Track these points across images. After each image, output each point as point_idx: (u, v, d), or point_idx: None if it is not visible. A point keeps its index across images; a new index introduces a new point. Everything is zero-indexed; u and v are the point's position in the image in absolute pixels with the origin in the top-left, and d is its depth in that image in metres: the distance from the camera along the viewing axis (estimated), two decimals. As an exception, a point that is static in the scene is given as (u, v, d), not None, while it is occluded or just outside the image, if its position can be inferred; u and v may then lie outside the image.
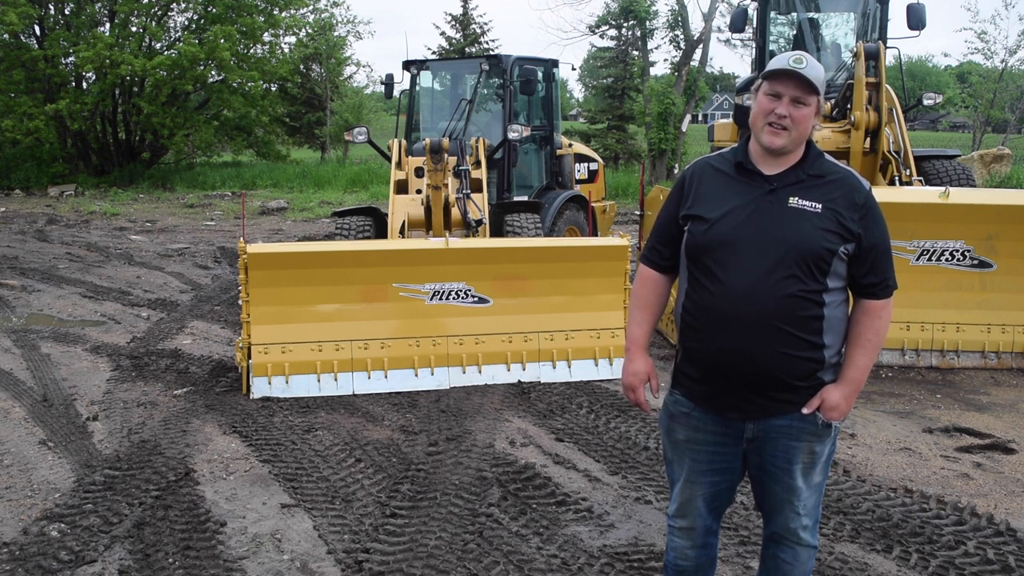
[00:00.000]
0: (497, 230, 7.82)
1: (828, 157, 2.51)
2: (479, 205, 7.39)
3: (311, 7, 27.92)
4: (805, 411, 2.43)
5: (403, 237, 7.21)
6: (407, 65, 9.46)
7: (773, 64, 2.41)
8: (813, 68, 2.36)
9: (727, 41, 30.04)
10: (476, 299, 5.89)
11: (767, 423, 2.46)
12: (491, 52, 26.43)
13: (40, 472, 4.39)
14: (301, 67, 30.31)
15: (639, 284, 2.71)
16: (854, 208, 2.38)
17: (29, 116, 20.84)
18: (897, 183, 7.65)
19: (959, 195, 6.14)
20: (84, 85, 23.32)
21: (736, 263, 2.38)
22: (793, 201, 2.39)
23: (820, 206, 2.37)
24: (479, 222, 7.20)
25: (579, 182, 10.12)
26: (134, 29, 23.09)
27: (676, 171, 22.37)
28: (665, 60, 70.95)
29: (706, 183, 2.52)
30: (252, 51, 24.73)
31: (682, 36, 23.11)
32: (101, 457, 4.55)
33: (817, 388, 2.43)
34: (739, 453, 2.54)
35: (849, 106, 8.19)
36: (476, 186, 7.72)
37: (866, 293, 2.45)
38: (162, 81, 21.91)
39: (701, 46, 22.83)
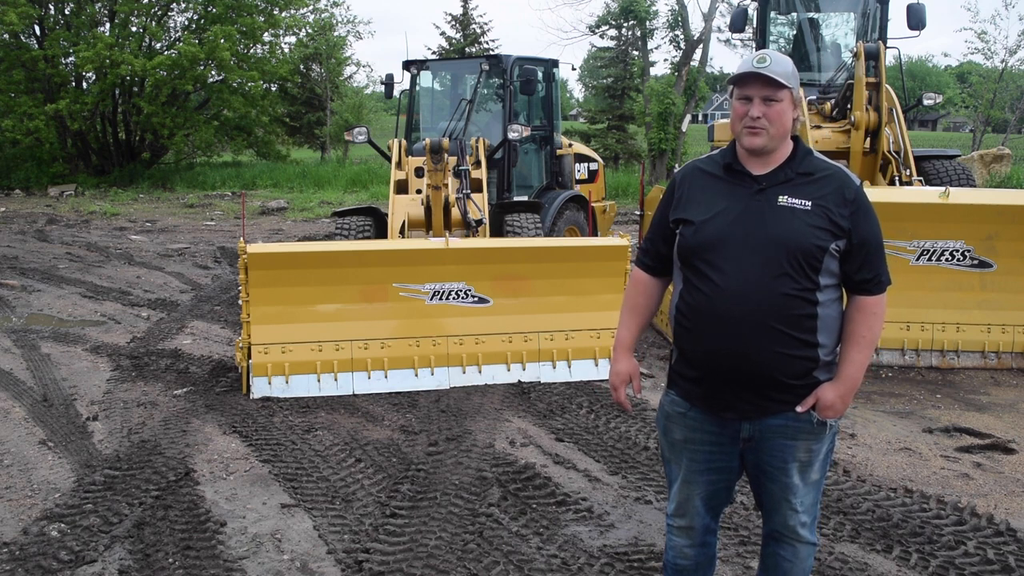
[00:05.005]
0: (497, 230, 7.81)
1: (817, 154, 2.51)
2: (479, 205, 7.39)
3: (311, 7, 27.95)
4: (799, 409, 2.43)
5: (403, 237, 7.21)
6: (407, 65, 9.46)
7: (737, 68, 2.45)
8: (778, 64, 2.37)
9: (727, 41, 30.03)
10: (476, 299, 5.89)
11: (763, 423, 2.46)
12: (491, 52, 26.45)
13: (40, 472, 4.39)
14: (301, 67, 30.32)
15: (630, 286, 2.78)
16: (844, 204, 2.38)
17: (29, 116, 20.84)
18: (897, 183, 7.65)
19: (959, 195, 6.14)
20: (84, 85, 23.32)
21: (727, 264, 2.38)
22: (782, 199, 2.39)
23: (810, 203, 2.37)
24: (479, 222, 7.20)
25: (579, 182, 10.11)
26: (134, 29, 23.10)
27: (676, 171, 22.32)
28: (665, 60, 70.98)
29: (695, 186, 2.53)
30: (252, 51, 24.74)
31: (682, 36, 23.10)
32: (101, 457, 4.55)
33: (812, 387, 2.44)
34: (736, 452, 2.54)
35: (849, 106, 8.19)
36: (476, 186, 7.71)
37: (859, 289, 2.45)
38: (162, 81, 21.91)
39: (701, 46, 22.82)
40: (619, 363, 2.71)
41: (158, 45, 23.49)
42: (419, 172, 7.81)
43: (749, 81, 2.40)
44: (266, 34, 24.82)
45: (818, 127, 8.32)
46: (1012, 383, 5.95)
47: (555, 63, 9.83)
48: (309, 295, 5.68)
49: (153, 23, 23.36)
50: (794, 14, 9.66)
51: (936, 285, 6.18)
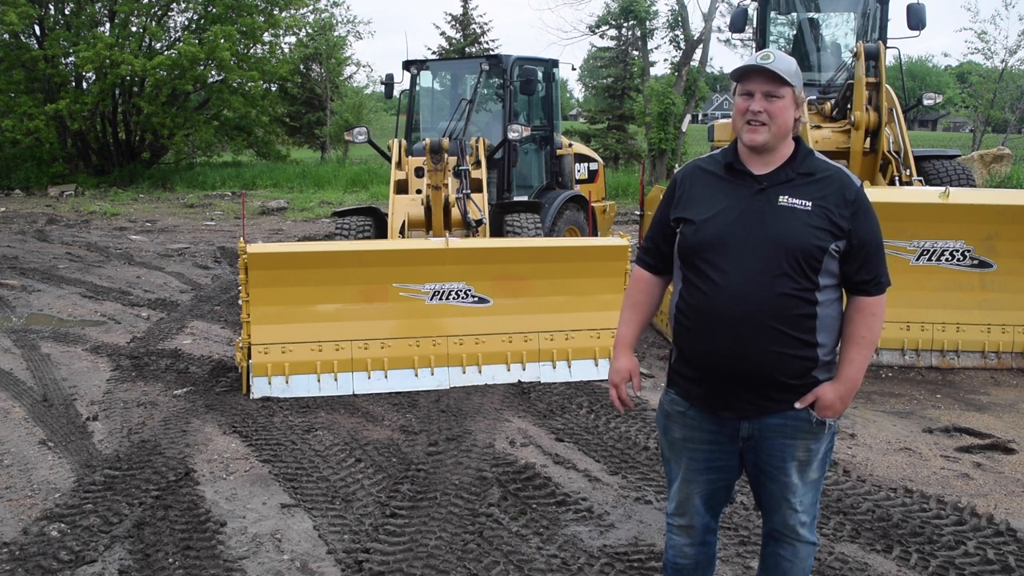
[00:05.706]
0: (497, 230, 7.81)
1: (818, 155, 2.52)
2: (479, 205, 7.39)
3: (311, 7, 27.95)
4: (798, 405, 2.43)
5: (403, 237, 7.21)
6: (407, 65, 9.46)
7: (741, 64, 2.45)
8: (781, 61, 2.39)
9: (727, 41, 30.05)
10: (476, 299, 5.89)
11: (762, 422, 2.47)
12: (491, 52, 26.45)
13: (40, 472, 4.39)
14: (301, 67, 30.32)
15: (631, 284, 2.79)
16: (844, 205, 2.39)
17: (29, 116, 20.84)
18: (897, 183, 7.65)
19: (959, 195, 6.14)
20: (84, 85, 23.32)
21: (727, 263, 2.39)
22: (783, 199, 2.40)
23: (810, 204, 2.38)
24: (479, 222, 7.20)
25: (579, 182, 10.11)
26: (134, 29, 23.11)
27: (676, 171, 22.32)
28: (665, 60, 70.95)
29: (696, 185, 2.54)
30: (252, 51, 24.74)
31: (682, 36, 23.10)
32: (101, 457, 4.55)
33: (812, 386, 2.44)
34: (735, 452, 2.55)
35: (849, 106, 8.19)
36: (476, 186, 7.71)
37: (859, 290, 2.45)
38: (162, 81, 21.92)
39: (701, 46, 22.83)
40: (619, 360, 2.71)
41: (158, 45, 23.49)
42: (419, 172, 7.81)
43: (752, 76, 2.40)
44: (266, 34, 24.84)
45: (818, 127, 8.32)
46: (1012, 383, 5.95)
47: (555, 63, 9.83)
48: (309, 295, 5.68)
49: (153, 23, 23.36)
50: (794, 14, 9.66)
51: (936, 285, 6.18)
